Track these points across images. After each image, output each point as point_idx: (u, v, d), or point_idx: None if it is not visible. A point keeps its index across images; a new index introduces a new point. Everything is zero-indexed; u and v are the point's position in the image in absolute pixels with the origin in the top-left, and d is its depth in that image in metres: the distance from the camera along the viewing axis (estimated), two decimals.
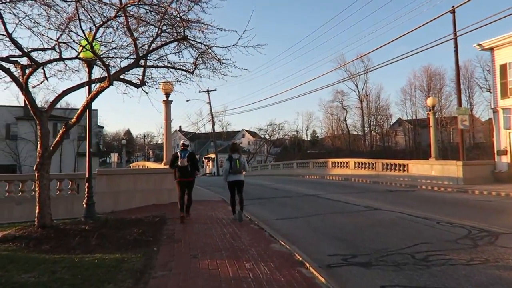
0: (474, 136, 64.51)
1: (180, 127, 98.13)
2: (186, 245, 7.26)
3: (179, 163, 9.97)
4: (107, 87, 7.65)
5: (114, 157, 52.01)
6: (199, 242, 7.57)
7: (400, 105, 77.80)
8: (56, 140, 8.01)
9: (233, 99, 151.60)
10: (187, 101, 58.87)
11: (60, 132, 8.04)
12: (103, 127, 65.83)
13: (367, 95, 73.13)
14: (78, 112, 8.13)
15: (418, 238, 7.92)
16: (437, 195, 16.17)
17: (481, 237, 7.94)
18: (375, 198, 15.15)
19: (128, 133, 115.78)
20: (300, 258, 6.15)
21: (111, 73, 7.66)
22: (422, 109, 69.72)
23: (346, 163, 30.32)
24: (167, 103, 15.60)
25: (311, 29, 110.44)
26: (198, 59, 8.42)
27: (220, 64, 8.33)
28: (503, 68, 20.21)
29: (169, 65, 8.62)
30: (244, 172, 9.89)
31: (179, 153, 10.05)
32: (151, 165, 24.75)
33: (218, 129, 73.39)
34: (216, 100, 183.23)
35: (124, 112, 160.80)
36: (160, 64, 8.69)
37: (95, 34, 7.40)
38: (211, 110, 56.42)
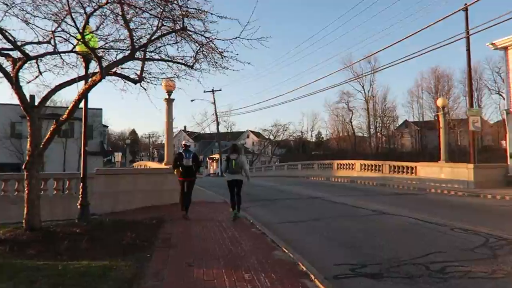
0: (483, 138, 63.57)
1: (185, 127, 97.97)
2: (182, 251, 6.78)
3: (184, 162, 10.38)
4: (99, 80, 7.20)
5: (118, 156, 51.89)
6: (196, 247, 7.09)
7: (407, 106, 77.10)
8: (46, 137, 7.57)
9: (238, 99, 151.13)
10: (192, 101, 58.56)
11: (51, 129, 7.60)
12: (107, 126, 65.59)
13: (373, 97, 72.43)
14: (69, 108, 7.69)
15: (431, 246, 7.37)
16: (448, 199, 15.56)
17: (500, 246, 7.37)
18: (383, 201, 14.59)
19: (133, 132, 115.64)
20: (304, 268, 5.64)
21: (104, 66, 7.21)
22: (429, 111, 69.03)
23: (352, 165, 29.73)
24: (169, 101, 15.17)
25: (316, 29, 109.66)
26: (199, 53, 7.95)
27: (222, 58, 7.86)
28: None
29: (167, 58, 8.15)
30: (243, 173, 10.18)
31: (183, 153, 10.49)
32: (153, 165, 24.36)
33: (222, 129, 72.98)
34: (221, 100, 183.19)
35: (130, 111, 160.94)
36: (157, 57, 8.21)
37: (85, 23, 6.94)
38: (215, 110, 56.02)
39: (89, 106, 9.93)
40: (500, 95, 56.14)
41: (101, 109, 49.41)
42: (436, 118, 63.56)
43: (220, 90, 64.90)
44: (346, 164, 30.61)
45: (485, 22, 18.44)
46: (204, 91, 53.22)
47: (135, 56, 7.62)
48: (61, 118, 7.62)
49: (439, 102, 22.34)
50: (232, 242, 7.49)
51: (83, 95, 7.57)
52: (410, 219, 10.38)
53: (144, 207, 13.15)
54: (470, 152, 21.10)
